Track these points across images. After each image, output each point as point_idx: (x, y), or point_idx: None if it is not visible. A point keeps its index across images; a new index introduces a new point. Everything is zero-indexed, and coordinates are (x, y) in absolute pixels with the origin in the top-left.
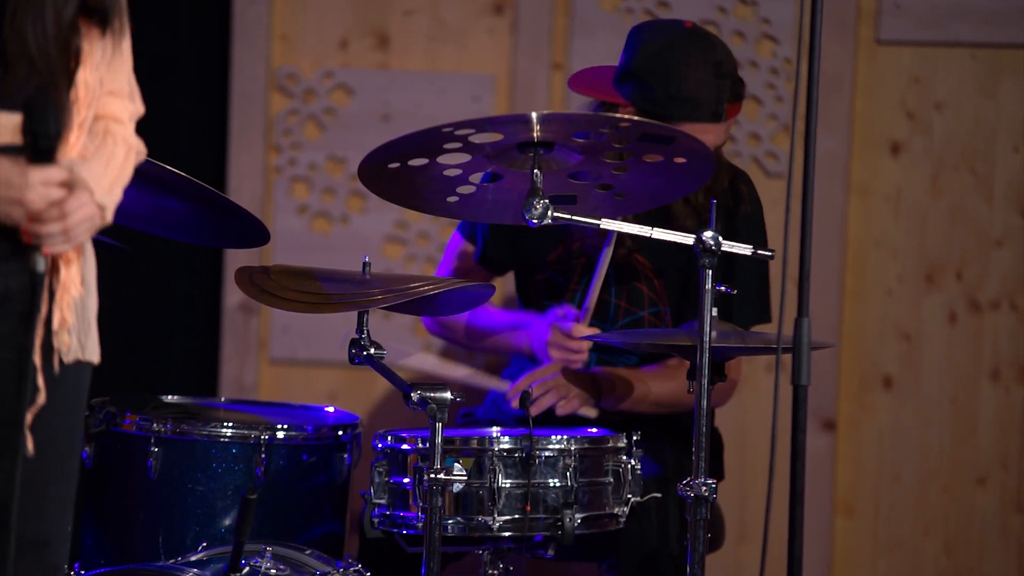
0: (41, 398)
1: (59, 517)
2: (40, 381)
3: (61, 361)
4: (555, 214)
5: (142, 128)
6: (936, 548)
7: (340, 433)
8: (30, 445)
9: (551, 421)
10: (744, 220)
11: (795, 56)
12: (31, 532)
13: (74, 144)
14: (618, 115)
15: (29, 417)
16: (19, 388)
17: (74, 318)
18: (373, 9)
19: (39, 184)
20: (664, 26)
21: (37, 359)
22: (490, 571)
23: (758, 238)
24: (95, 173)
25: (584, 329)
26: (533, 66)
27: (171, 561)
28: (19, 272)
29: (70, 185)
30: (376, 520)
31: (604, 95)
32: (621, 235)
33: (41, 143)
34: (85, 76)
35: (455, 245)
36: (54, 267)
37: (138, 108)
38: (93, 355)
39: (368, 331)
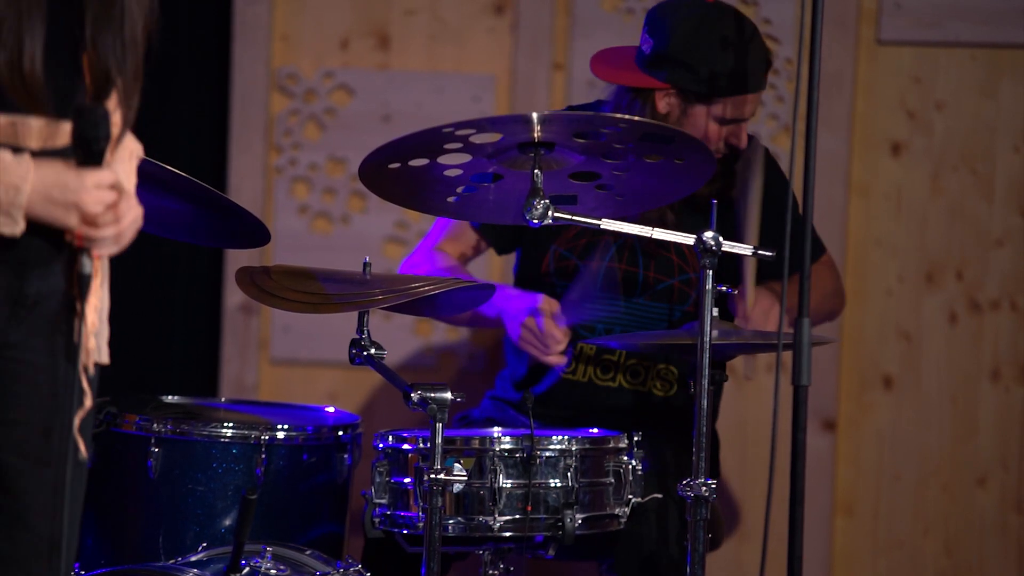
0: (88, 401)
1: (74, 521)
2: (85, 384)
3: (95, 364)
4: (555, 214)
5: (142, 128)
6: (936, 548)
7: (340, 433)
8: (83, 450)
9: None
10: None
11: (796, 56)
12: (53, 535)
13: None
14: (618, 115)
15: (77, 421)
16: (69, 393)
17: (99, 322)
18: (373, 9)
19: (94, 187)
20: (685, 4)
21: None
22: (491, 571)
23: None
24: (126, 177)
25: (558, 332)
26: (533, 66)
27: (171, 561)
28: (57, 275)
29: (119, 188)
30: (377, 520)
31: (632, 80)
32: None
33: (94, 146)
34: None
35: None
36: None
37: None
38: (105, 356)
39: (368, 331)
